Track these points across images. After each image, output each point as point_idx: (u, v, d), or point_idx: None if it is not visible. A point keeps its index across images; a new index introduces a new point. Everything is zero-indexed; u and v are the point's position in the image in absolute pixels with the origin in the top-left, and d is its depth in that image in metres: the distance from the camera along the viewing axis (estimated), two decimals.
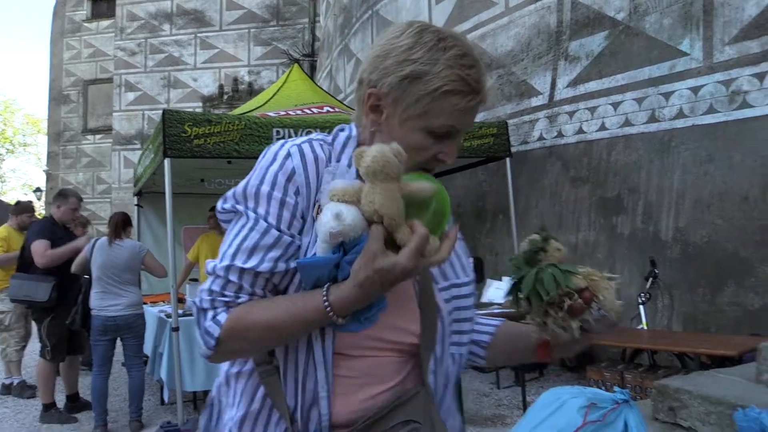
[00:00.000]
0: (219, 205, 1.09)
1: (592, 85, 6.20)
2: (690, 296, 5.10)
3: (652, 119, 5.63)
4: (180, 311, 5.28)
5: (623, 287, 5.62)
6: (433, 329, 1.10)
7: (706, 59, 5.27)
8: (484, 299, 6.06)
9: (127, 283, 4.86)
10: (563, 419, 2.37)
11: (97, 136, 21.98)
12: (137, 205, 7.79)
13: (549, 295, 1.01)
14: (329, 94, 7.62)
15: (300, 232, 1.04)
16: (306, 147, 1.08)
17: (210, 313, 1.02)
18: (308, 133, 5.16)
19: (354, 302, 0.95)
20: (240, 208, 1.05)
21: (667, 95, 5.52)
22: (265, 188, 1.04)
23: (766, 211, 4.72)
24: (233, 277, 1.02)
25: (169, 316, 5.03)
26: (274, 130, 5.10)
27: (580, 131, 6.29)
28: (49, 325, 5.25)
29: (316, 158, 1.07)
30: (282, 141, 1.10)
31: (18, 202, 7.13)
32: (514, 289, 1.07)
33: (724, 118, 5.09)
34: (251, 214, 1.03)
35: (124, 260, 4.86)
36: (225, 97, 17.94)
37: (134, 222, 8.00)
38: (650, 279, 5.16)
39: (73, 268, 5.05)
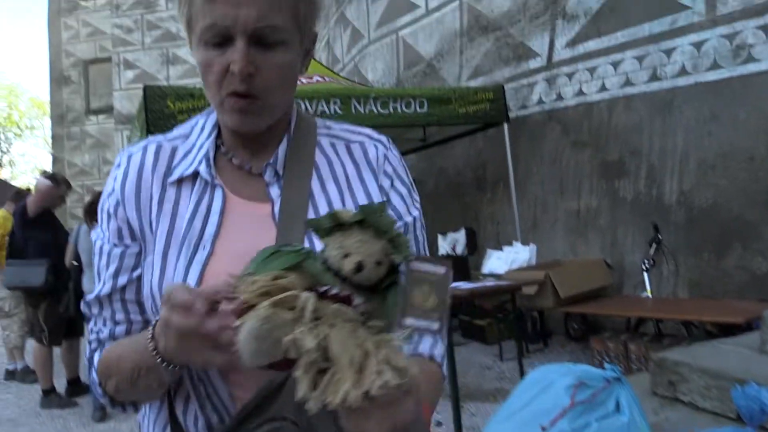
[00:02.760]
0: None
1: (591, 45, 5.96)
2: (695, 261, 4.94)
3: (654, 78, 5.41)
4: None
5: (626, 254, 5.47)
6: None
7: (708, 12, 5.02)
8: (485, 270, 5.94)
9: None
10: (550, 400, 2.22)
11: (100, 117, 21.77)
12: None
13: None
14: (320, 63, 7.42)
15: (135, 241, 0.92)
16: (136, 157, 0.94)
17: (95, 356, 0.94)
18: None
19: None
20: None
21: (668, 52, 5.29)
22: (99, 206, 0.96)
23: None
24: (93, 310, 0.93)
25: None
26: None
27: (580, 93, 6.08)
28: (46, 309, 5.21)
29: (141, 167, 0.93)
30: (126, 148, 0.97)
31: (18, 191, 7.10)
32: None
33: (728, 74, 4.86)
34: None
35: None
36: None
37: None
38: (654, 244, 5.00)
39: (67, 259, 5.06)
